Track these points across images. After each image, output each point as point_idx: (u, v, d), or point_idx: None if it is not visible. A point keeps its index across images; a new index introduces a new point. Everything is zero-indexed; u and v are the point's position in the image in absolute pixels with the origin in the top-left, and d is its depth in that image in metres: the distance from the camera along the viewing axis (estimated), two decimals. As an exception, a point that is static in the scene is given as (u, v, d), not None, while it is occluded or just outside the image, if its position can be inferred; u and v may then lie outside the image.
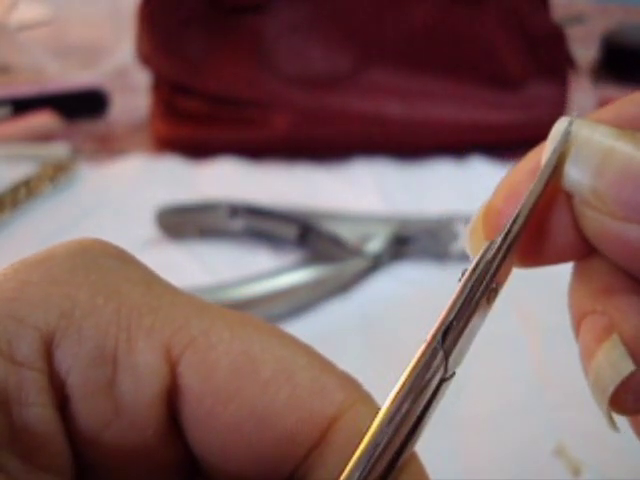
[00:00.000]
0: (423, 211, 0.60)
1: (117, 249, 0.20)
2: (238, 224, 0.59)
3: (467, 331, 0.19)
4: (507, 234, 0.19)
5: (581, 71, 0.81)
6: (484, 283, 0.19)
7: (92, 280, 0.19)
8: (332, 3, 0.72)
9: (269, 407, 0.18)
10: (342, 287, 0.54)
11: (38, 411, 0.17)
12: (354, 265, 0.55)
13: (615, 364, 0.19)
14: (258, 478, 0.19)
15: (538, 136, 0.21)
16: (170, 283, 0.20)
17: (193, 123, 0.72)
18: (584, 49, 0.89)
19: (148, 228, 0.59)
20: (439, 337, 0.18)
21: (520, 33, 0.74)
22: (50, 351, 0.18)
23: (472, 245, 0.21)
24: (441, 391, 0.18)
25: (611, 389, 0.19)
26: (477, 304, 0.19)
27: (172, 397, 0.18)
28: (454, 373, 0.19)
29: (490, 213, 0.21)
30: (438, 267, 0.56)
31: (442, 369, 0.18)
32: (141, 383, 0.18)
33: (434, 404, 0.18)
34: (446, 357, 0.18)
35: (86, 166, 0.70)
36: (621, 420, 0.21)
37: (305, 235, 0.57)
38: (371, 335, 0.50)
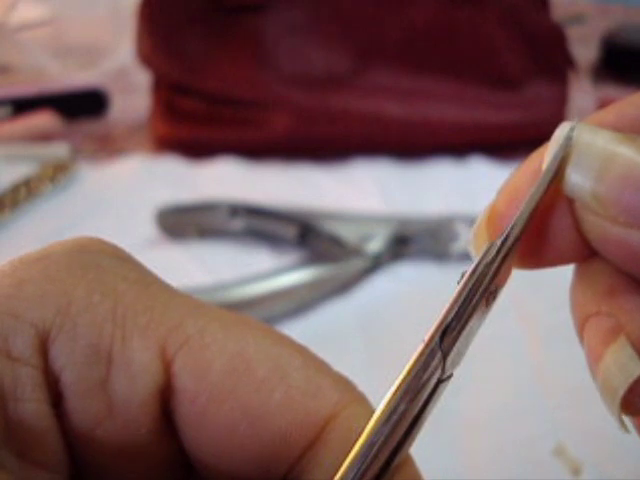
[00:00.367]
0: (423, 211, 0.60)
1: (114, 248, 0.20)
2: (238, 224, 0.59)
3: (465, 333, 0.19)
4: (506, 238, 0.19)
5: (581, 71, 0.81)
6: (483, 285, 0.19)
7: (89, 278, 0.19)
8: (332, 3, 0.72)
9: (263, 407, 0.18)
10: (342, 287, 0.54)
11: (33, 407, 0.17)
12: (354, 265, 0.55)
13: (624, 366, 0.19)
14: (252, 478, 0.19)
15: (538, 136, 0.21)
16: (166, 282, 0.20)
17: (193, 123, 0.72)
18: (584, 49, 0.89)
19: (148, 228, 0.59)
20: (437, 338, 0.18)
21: (520, 33, 0.73)
22: (46, 348, 0.18)
23: (477, 247, 0.21)
24: (438, 392, 0.18)
25: (621, 392, 0.19)
26: (476, 306, 0.19)
27: (166, 396, 0.18)
28: (452, 374, 0.19)
29: (493, 216, 0.21)
30: (438, 267, 0.56)
31: (439, 370, 0.18)
32: (135, 381, 0.18)
33: (431, 405, 0.18)
34: (444, 358, 0.18)
35: (86, 166, 0.70)
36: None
37: (305, 235, 0.57)
38: (371, 335, 0.50)
